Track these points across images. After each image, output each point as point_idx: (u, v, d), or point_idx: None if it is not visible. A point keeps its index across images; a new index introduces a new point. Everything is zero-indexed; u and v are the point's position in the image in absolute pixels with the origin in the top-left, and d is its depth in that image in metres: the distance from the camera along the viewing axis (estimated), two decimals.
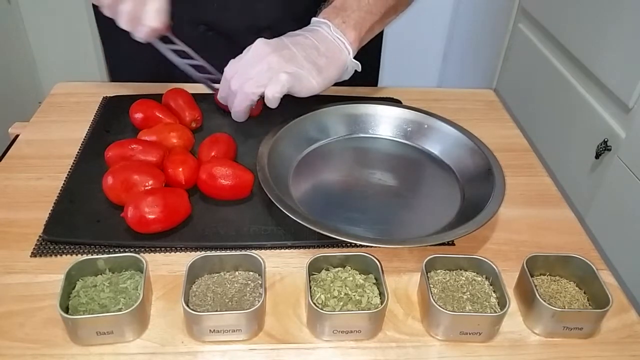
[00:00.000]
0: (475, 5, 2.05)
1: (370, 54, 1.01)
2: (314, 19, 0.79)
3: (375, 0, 0.79)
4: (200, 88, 0.88)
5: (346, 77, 0.79)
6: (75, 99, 0.89)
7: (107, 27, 0.95)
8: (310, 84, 0.73)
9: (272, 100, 0.72)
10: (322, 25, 0.77)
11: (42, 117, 0.85)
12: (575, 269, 0.58)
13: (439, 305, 0.52)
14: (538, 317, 0.54)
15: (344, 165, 0.77)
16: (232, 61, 0.76)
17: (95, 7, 0.95)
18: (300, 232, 0.63)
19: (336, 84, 0.78)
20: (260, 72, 0.72)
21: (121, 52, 0.97)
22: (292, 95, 0.74)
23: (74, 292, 0.54)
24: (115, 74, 1.03)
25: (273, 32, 0.80)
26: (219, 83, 0.80)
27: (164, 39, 0.80)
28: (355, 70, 0.80)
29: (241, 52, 0.76)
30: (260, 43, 0.74)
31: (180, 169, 0.67)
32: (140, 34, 0.76)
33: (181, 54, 0.82)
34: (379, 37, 1.00)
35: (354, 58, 0.78)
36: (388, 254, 0.63)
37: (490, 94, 0.98)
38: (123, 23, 0.75)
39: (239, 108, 0.76)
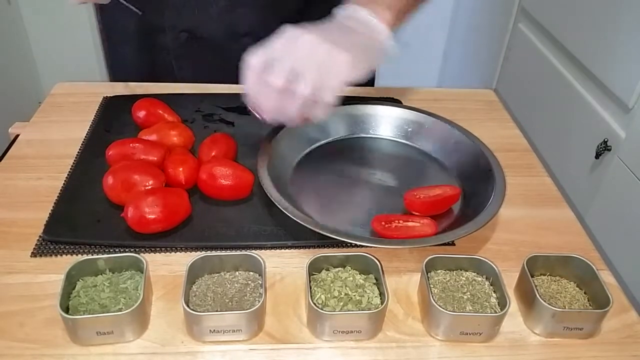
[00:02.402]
0: (475, 5, 2.05)
1: None
2: (341, 7, 0.69)
3: None
4: (200, 88, 0.88)
5: (385, 62, 0.69)
6: (75, 99, 0.88)
7: (109, 29, 0.94)
8: (361, 72, 0.64)
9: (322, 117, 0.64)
10: (357, 10, 0.67)
11: (42, 117, 0.85)
12: (575, 269, 0.58)
13: (439, 306, 0.52)
14: (538, 317, 0.54)
15: (344, 165, 0.77)
16: (258, 52, 0.62)
17: (99, 9, 0.94)
18: (300, 232, 0.63)
19: None
20: (312, 69, 0.60)
21: (122, 52, 0.97)
22: None
23: (74, 292, 0.54)
24: (116, 74, 1.02)
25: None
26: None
27: None
28: None
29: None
30: (301, 32, 0.61)
31: (181, 169, 0.67)
32: None
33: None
34: None
35: None
36: (388, 254, 0.63)
37: (490, 94, 0.98)
38: None
39: (294, 114, 0.62)
